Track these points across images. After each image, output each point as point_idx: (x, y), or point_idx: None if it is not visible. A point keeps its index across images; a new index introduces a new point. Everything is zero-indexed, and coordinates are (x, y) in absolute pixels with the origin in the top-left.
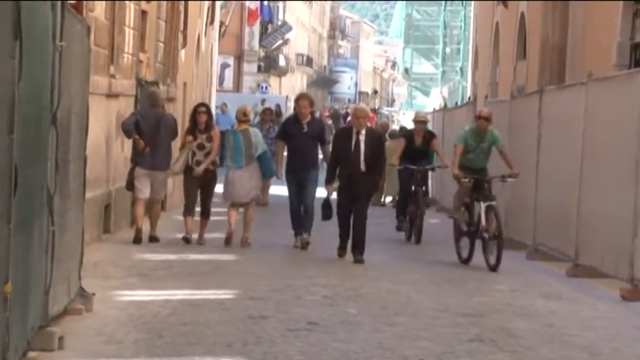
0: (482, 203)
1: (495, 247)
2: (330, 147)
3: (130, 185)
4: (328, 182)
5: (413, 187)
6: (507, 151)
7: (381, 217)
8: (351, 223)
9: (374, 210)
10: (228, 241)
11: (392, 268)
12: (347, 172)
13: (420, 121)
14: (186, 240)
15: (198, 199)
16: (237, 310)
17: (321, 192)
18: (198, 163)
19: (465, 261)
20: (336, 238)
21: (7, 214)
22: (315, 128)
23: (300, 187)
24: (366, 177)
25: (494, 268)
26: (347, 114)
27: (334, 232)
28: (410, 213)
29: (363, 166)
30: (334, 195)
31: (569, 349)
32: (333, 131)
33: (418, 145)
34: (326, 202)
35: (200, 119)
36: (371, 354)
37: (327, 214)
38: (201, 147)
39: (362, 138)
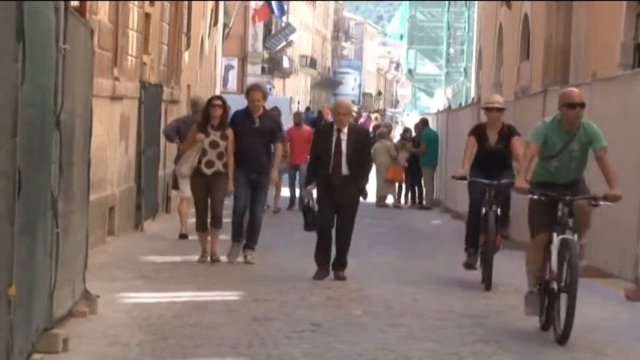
0: (555, 236)
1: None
2: (286, 145)
3: (176, 185)
4: (307, 184)
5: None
6: (608, 159)
7: (383, 219)
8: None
9: (378, 211)
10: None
11: (396, 269)
12: (326, 175)
13: (494, 108)
14: (202, 261)
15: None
16: (242, 311)
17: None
18: (210, 164)
19: (545, 327)
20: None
21: (11, 217)
22: (268, 123)
23: (250, 192)
24: (348, 182)
25: (561, 340)
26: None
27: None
28: (482, 244)
29: (345, 169)
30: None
31: (574, 350)
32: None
33: (493, 145)
34: (307, 208)
35: (214, 113)
36: (375, 355)
37: (309, 224)
38: (214, 145)
39: (343, 137)
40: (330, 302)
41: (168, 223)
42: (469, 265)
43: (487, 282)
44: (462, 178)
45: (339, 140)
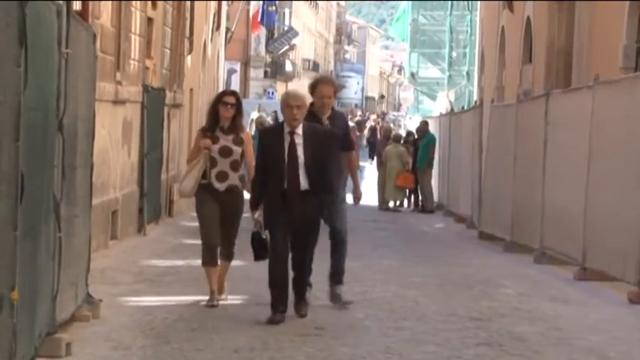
0: None
1: None
2: (352, 153)
3: None
4: (253, 207)
5: None
6: None
7: (386, 222)
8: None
9: (380, 215)
10: None
11: (398, 272)
12: (279, 191)
13: None
14: (212, 306)
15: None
16: (245, 315)
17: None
18: (222, 176)
19: None
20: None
21: (14, 221)
22: (340, 125)
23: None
24: (308, 198)
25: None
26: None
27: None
28: None
29: (303, 182)
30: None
31: (577, 353)
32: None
33: None
34: (257, 238)
35: (225, 114)
36: (378, 358)
37: (260, 254)
38: (225, 152)
39: (299, 140)
40: (333, 305)
41: (170, 227)
42: None
43: None
44: None
45: (292, 145)
